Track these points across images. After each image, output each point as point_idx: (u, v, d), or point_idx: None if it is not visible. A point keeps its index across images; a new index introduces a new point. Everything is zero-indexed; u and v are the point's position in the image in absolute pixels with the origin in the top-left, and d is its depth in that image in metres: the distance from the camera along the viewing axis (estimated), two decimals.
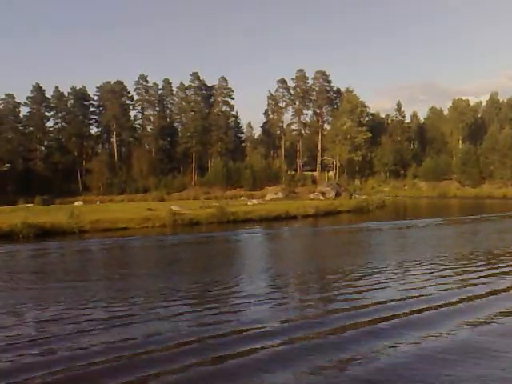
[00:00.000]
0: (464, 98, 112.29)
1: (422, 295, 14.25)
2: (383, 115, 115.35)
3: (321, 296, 14.68)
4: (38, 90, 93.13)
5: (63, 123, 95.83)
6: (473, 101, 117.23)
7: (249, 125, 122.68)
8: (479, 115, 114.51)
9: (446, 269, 18.53)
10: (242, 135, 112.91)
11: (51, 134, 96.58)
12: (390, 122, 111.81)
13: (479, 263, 19.80)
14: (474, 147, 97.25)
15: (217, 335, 10.77)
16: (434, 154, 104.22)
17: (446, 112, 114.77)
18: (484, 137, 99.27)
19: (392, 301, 13.43)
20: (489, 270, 18.34)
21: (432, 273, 17.73)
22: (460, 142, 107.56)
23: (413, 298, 14.02)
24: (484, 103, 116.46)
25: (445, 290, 14.92)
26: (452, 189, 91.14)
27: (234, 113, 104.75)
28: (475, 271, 18.02)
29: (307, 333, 10.73)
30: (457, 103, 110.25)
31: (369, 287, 15.52)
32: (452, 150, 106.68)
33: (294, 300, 14.44)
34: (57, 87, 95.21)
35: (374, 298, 13.94)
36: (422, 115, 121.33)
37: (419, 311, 12.51)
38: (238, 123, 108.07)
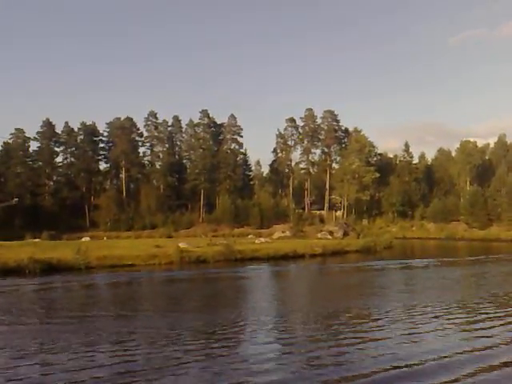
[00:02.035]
0: (472, 139, 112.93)
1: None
2: (391, 155, 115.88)
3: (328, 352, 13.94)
4: (48, 125, 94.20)
5: (72, 158, 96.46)
6: (481, 142, 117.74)
7: (257, 163, 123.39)
8: (487, 157, 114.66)
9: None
10: (251, 173, 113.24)
11: (60, 170, 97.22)
12: (397, 162, 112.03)
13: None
14: (482, 189, 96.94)
15: None
16: (441, 195, 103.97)
17: (453, 153, 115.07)
18: (492, 179, 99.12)
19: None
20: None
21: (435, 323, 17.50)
22: (468, 183, 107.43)
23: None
24: (492, 145, 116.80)
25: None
26: (460, 230, 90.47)
27: (242, 150, 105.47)
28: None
29: None
30: (464, 144, 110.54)
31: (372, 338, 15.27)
32: (460, 191, 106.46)
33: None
34: (67, 122, 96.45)
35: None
36: (430, 156, 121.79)
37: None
38: (247, 161, 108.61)
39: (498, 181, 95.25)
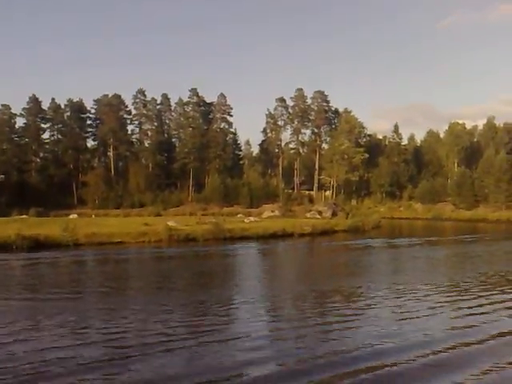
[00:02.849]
0: (460, 121, 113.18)
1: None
2: (381, 136, 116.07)
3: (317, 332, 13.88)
4: (35, 101, 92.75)
5: (59, 135, 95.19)
6: (469, 124, 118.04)
7: (247, 142, 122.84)
8: (475, 139, 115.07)
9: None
10: (240, 153, 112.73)
11: (47, 146, 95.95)
12: (387, 143, 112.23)
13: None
14: (470, 170, 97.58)
15: None
16: (429, 176, 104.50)
17: (442, 135, 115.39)
18: (479, 160, 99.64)
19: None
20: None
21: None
22: (456, 165, 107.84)
23: None
24: (480, 127, 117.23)
25: None
26: (447, 211, 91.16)
27: (232, 130, 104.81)
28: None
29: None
30: (453, 126, 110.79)
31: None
32: (448, 172, 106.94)
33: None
34: (53, 99, 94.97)
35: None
36: (419, 137, 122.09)
37: None
38: (236, 140, 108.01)
39: (485, 162, 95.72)
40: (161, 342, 12.16)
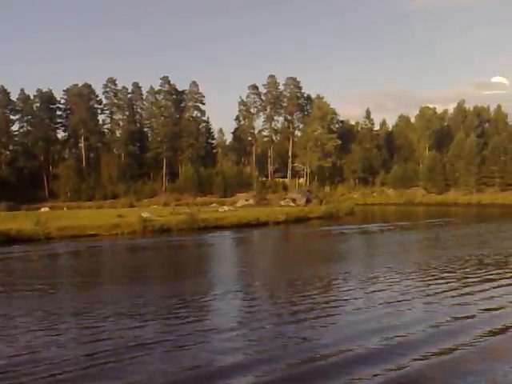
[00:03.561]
0: (431, 105, 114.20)
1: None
2: (353, 122, 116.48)
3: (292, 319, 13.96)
4: (3, 92, 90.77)
5: (29, 127, 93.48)
6: (440, 109, 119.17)
7: (220, 131, 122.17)
8: (446, 123, 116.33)
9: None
10: (214, 141, 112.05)
11: (16, 138, 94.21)
12: (359, 129, 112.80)
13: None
14: (440, 155, 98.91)
15: None
16: (401, 161, 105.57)
17: (413, 120, 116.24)
18: (450, 144, 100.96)
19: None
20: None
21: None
22: (427, 149, 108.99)
23: None
24: (451, 111, 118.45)
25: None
26: (418, 195, 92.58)
27: (205, 118, 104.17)
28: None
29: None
30: (424, 111, 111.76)
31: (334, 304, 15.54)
32: (419, 157, 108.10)
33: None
34: (22, 90, 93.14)
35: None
36: (391, 123, 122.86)
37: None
38: (209, 129, 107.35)
39: (456, 146, 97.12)
40: (135, 337, 12.02)
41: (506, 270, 20.16)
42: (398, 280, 18.55)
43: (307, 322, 13.10)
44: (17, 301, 16.61)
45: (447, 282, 17.91)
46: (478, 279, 18.39)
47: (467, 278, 18.78)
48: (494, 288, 16.86)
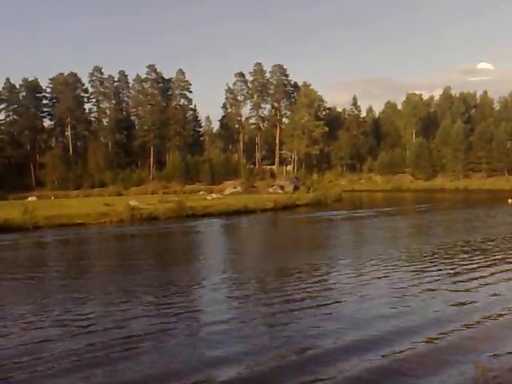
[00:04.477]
0: (418, 92, 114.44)
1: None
2: (340, 109, 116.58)
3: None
4: None
5: (15, 116, 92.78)
6: (426, 95, 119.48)
7: (207, 119, 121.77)
8: (432, 109, 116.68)
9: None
10: (201, 129, 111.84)
11: (2, 128, 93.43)
12: (346, 116, 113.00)
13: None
14: (427, 141, 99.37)
15: None
16: (388, 148, 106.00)
17: (400, 106, 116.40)
18: (437, 131, 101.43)
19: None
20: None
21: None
22: (413, 135, 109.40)
23: None
24: (437, 97, 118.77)
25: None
26: (405, 182, 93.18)
27: (192, 106, 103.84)
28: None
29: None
30: (410, 97, 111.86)
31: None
32: (406, 143, 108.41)
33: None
34: (8, 79, 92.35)
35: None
36: (378, 109, 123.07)
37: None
38: (197, 117, 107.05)
39: (442, 133, 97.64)
40: (123, 329, 11.88)
41: (497, 256, 20.23)
42: (388, 268, 18.43)
43: (298, 312, 12.88)
44: (5, 289, 16.70)
45: (439, 270, 17.84)
46: (471, 265, 18.37)
47: (461, 264, 18.81)
48: (491, 275, 16.76)
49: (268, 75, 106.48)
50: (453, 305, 13.14)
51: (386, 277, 16.72)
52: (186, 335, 11.29)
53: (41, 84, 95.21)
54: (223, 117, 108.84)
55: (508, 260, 19.21)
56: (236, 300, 14.63)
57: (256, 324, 12.06)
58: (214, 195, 60.50)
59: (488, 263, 18.74)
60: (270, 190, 70.46)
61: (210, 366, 9.44)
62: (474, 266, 18.31)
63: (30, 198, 62.46)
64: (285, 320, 12.23)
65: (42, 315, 13.19)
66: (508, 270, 17.43)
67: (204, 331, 11.61)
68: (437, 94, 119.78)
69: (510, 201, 49.32)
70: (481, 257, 20.08)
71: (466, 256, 20.33)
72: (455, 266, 18.48)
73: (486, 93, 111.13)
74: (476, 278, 16.24)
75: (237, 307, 13.83)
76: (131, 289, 15.90)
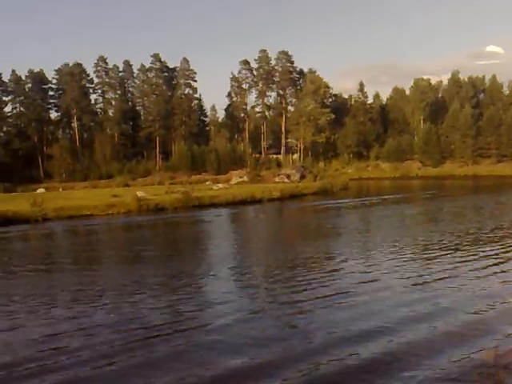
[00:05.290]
0: (425, 77, 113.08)
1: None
2: (346, 96, 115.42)
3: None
4: None
5: (22, 108, 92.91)
6: (434, 80, 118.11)
7: (212, 108, 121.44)
8: (440, 94, 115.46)
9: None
10: (206, 118, 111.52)
11: (10, 120, 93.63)
12: (353, 102, 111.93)
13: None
14: (435, 127, 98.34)
15: None
16: (396, 134, 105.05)
17: (407, 92, 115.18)
18: (445, 116, 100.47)
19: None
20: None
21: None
22: (421, 121, 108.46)
23: None
24: (445, 82, 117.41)
25: None
26: (414, 169, 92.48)
27: (197, 95, 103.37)
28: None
29: None
30: (418, 82, 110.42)
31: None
32: (414, 130, 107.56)
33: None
34: (14, 70, 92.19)
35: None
36: (385, 95, 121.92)
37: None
38: (202, 106, 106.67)
39: (451, 118, 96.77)
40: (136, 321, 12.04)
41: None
42: (400, 256, 18.42)
43: (303, 304, 12.84)
44: (15, 281, 16.74)
45: (453, 257, 17.88)
46: (486, 253, 18.29)
47: (476, 252, 18.67)
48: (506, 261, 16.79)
49: (273, 62, 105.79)
50: (467, 292, 13.15)
51: (397, 266, 16.65)
52: (191, 326, 11.35)
53: (46, 75, 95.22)
54: (228, 106, 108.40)
55: None
56: (246, 290, 14.62)
57: (266, 315, 12.03)
58: (221, 185, 60.44)
59: (504, 250, 18.63)
60: (277, 179, 70.20)
61: (219, 357, 9.51)
62: (490, 253, 18.25)
63: (38, 190, 62.75)
64: (299, 310, 12.25)
65: (57, 306, 13.33)
66: None
67: (215, 323, 11.58)
68: (445, 79, 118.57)
69: None
70: (494, 244, 19.97)
71: (480, 243, 20.24)
72: (471, 253, 18.35)
73: (494, 77, 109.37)
74: (491, 265, 16.18)
75: (247, 297, 13.82)
76: (143, 281, 15.88)
